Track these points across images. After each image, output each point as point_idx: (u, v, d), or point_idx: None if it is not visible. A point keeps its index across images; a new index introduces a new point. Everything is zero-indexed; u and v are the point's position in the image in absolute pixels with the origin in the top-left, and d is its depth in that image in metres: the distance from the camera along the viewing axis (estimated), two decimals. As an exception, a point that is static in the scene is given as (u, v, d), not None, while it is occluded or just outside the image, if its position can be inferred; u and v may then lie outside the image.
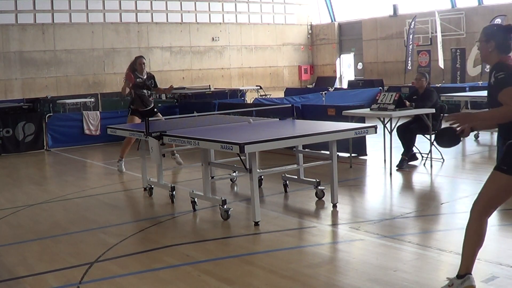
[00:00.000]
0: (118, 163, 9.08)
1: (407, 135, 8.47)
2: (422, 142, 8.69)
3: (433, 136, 8.49)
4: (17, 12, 21.46)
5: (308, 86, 27.93)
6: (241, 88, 22.17)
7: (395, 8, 25.46)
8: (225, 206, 5.93)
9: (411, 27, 22.50)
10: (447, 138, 4.10)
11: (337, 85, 26.49)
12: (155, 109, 9.40)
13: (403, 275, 4.16)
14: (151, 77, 9.34)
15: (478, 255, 4.50)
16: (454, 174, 8.11)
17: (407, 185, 7.66)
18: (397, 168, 8.22)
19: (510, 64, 3.74)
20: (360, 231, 5.34)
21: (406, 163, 8.42)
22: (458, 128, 3.90)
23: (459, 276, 3.77)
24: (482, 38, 3.86)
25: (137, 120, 8.86)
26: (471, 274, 3.75)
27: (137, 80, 9.01)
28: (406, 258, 4.59)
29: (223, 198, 6.00)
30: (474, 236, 3.72)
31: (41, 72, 21.92)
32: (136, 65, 9.12)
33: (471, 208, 3.80)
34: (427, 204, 6.39)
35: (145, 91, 9.13)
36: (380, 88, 18.23)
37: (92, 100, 19.51)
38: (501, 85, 3.67)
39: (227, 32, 26.92)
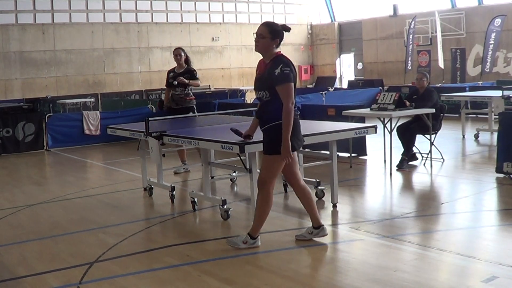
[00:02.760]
0: (179, 167, 8.52)
1: (407, 135, 8.47)
2: (422, 142, 8.69)
3: (433, 136, 8.50)
4: (17, 12, 21.45)
5: (308, 86, 27.92)
6: (241, 88, 22.17)
7: (395, 8, 25.46)
8: (225, 206, 5.93)
9: (411, 27, 22.50)
10: None
11: (337, 85, 26.48)
12: (191, 110, 8.57)
13: (403, 275, 4.16)
14: (187, 71, 8.51)
15: (478, 255, 4.52)
16: (454, 174, 8.11)
17: (407, 185, 7.66)
18: (397, 168, 8.22)
19: (289, 60, 4.66)
20: (360, 231, 5.34)
21: (406, 163, 8.41)
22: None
23: (252, 237, 4.90)
24: (267, 34, 4.61)
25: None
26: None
27: (169, 74, 8.51)
28: (406, 258, 4.59)
29: (223, 198, 6.00)
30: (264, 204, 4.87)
31: (41, 72, 21.91)
32: (173, 57, 8.56)
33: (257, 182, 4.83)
34: (427, 204, 6.39)
35: (177, 89, 8.41)
36: (380, 88, 18.22)
37: (92, 100, 19.51)
38: (284, 79, 4.56)
39: (227, 32, 26.92)
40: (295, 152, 4.84)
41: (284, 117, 4.57)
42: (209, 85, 23.19)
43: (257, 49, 4.75)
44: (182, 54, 8.56)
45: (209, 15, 26.40)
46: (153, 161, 6.57)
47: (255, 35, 4.70)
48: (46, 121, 12.17)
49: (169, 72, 8.66)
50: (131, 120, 10.74)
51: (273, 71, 4.60)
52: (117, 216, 6.44)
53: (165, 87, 8.81)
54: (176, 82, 8.37)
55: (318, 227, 5.08)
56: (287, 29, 4.75)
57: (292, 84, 4.65)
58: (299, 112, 4.88)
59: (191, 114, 8.41)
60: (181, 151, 8.51)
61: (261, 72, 4.79)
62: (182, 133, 6.13)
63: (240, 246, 4.88)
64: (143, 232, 5.71)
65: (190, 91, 8.59)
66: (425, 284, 3.99)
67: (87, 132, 12.49)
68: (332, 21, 29.25)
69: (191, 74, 8.48)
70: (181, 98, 8.53)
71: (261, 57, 4.85)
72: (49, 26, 22.06)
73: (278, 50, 4.74)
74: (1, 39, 21.09)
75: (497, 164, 7.44)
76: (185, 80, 8.37)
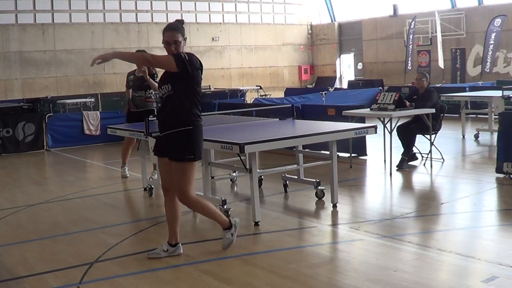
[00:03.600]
0: (122, 168, 8.73)
1: (407, 135, 8.47)
2: (422, 142, 8.69)
3: (433, 136, 8.50)
4: (17, 12, 21.46)
5: (308, 86, 27.93)
6: (241, 88, 22.18)
7: (395, 8, 25.47)
8: (225, 206, 5.93)
9: (411, 27, 22.50)
10: None
11: (337, 85, 26.49)
12: (152, 113, 8.24)
13: (403, 275, 4.16)
14: (148, 74, 8.07)
15: (478, 255, 4.52)
16: (454, 174, 8.11)
17: (407, 185, 7.66)
18: (397, 168, 8.22)
19: (198, 58, 4.56)
20: (360, 231, 5.34)
21: (406, 163, 8.41)
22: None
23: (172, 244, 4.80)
24: (179, 37, 4.51)
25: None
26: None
27: (129, 77, 8.40)
28: (406, 258, 4.59)
29: (223, 198, 6.00)
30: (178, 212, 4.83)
31: (41, 72, 21.92)
32: None
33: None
34: (427, 204, 6.39)
35: (139, 92, 8.33)
36: (380, 88, 18.23)
37: (92, 100, 19.51)
38: (179, 54, 4.46)
39: (227, 32, 26.92)
40: (195, 162, 4.59)
41: (141, 55, 4.68)
42: (209, 85, 23.20)
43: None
44: None
45: (209, 15, 26.41)
46: (153, 161, 6.57)
47: (165, 43, 4.54)
48: (46, 121, 12.17)
49: (129, 74, 8.48)
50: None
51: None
52: (117, 216, 6.44)
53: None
54: (141, 74, 7.88)
55: (174, 245, 4.83)
56: (182, 21, 4.65)
57: (186, 64, 4.42)
58: (201, 120, 4.66)
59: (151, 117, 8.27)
60: (126, 150, 8.56)
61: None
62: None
63: (232, 239, 4.90)
64: (143, 232, 5.71)
65: (151, 94, 8.46)
66: (425, 284, 3.99)
67: (87, 132, 12.49)
68: (332, 21, 29.25)
69: (152, 77, 8.19)
70: (141, 100, 8.38)
71: None
72: (49, 26, 22.07)
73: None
74: (1, 39, 21.09)
75: (497, 164, 7.44)
76: (146, 72, 7.82)
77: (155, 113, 8.42)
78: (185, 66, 4.42)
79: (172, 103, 4.52)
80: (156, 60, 4.53)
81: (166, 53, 4.56)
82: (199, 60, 4.57)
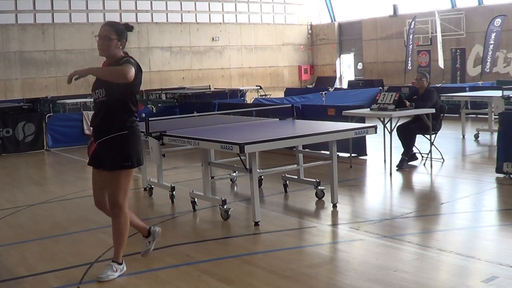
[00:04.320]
0: None
1: (407, 135, 8.47)
2: (422, 142, 8.69)
3: (433, 136, 8.50)
4: (17, 12, 21.46)
5: (308, 86, 27.94)
6: (241, 88, 22.18)
7: (395, 8, 25.47)
8: (225, 206, 5.93)
9: (411, 27, 22.50)
10: None
11: (337, 85, 26.51)
12: None
13: (403, 275, 4.16)
14: None
15: (478, 255, 4.52)
16: (454, 174, 8.11)
17: (407, 185, 7.66)
18: (397, 168, 8.22)
19: (132, 56, 4.26)
20: (360, 231, 5.34)
21: (406, 163, 8.41)
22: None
23: (119, 263, 4.45)
24: (114, 36, 4.18)
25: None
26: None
27: None
28: (406, 258, 4.59)
29: (223, 198, 6.00)
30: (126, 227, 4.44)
31: (41, 72, 21.93)
32: None
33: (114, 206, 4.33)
34: (427, 204, 6.39)
35: None
36: (380, 88, 18.23)
37: (92, 100, 19.46)
38: (128, 61, 4.11)
39: (227, 32, 26.92)
40: (132, 170, 4.29)
41: (114, 70, 4.09)
42: (209, 85, 23.20)
43: (102, 52, 4.24)
44: None
45: (209, 15, 26.42)
46: (153, 161, 6.57)
47: (97, 37, 4.22)
48: (46, 121, 12.18)
49: None
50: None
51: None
52: (117, 216, 6.43)
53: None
54: None
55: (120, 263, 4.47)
56: (130, 28, 4.35)
57: (136, 70, 4.12)
58: (138, 125, 4.36)
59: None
60: None
61: None
62: (182, 133, 6.13)
63: (114, 275, 4.37)
64: (143, 232, 5.70)
65: None
66: (425, 284, 3.99)
67: (87, 132, 12.48)
68: (332, 21, 29.26)
69: None
70: None
71: None
72: (49, 26, 22.07)
73: (124, 51, 4.32)
74: (1, 39, 21.10)
75: (497, 164, 7.44)
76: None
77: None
78: (136, 73, 4.14)
79: (106, 109, 4.20)
80: (130, 76, 4.05)
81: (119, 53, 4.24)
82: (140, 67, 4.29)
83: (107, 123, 4.22)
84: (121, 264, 4.45)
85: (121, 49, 4.26)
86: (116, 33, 4.22)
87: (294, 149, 6.89)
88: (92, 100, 4.24)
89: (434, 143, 8.47)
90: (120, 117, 4.21)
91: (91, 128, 4.44)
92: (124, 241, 4.43)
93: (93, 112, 4.39)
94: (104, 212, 4.53)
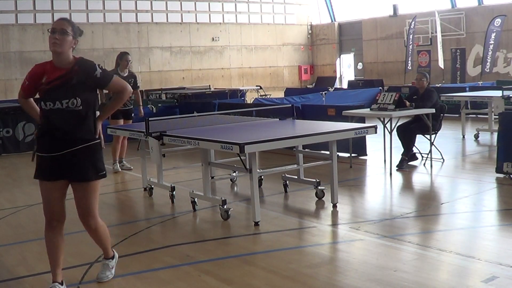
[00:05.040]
0: (113, 165, 8.96)
1: (407, 135, 8.47)
2: (422, 142, 8.69)
3: (433, 136, 8.50)
4: (17, 12, 21.47)
5: (308, 86, 27.94)
6: (241, 88, 22.17)
7: (395, 8, 25.48)
8: (225, 206, 5.93)
9: (411, 27, 22.51)
10: None
11: (337, 85, 26.51)
12: (132, 113, 9.07)
13: (403, 275, 4.16)
14: (132, 76, 8.88)
15: (478, 255, 4.51)
16: (454, 174, 8.11)
17: (407, 185, 7.66)
18: (397, 168, 8.22)
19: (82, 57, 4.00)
20: (360, 231, 5.34)
21: (406, 163, 8.41)
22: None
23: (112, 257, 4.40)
24: (71, 31, 3.91)
25: (120, 121, 8.71)
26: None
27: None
28: (406, 258, 4.59)
29: (223, 198, 6.00)
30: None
31: (41, 72, 21.90)
32: (122, 61, 8.80)
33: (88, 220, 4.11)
34: (427, 204, 6.39)
35: None
36: (380, 88, 18.23)
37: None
38: (109, 75, 3.99)
39: (227, 32, 26.93)
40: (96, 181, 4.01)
41: (123, 95, 4.04)
42: (209, 85, 23.20)
43: (57, 48, 3.82)
44: (130, 59, 8.94)
45: (209, 15, 26.42)
46: (153, 161, 6.57)
47: (50, 31, 3.88)
48: (46, 121, 12.15)
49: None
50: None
51: (91, 75, 3.87)
52: (117, 216, 6.44)
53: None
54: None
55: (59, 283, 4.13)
56: (80, 32, 4.10)
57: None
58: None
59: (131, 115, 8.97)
60: (121, 146, 8.95)
61: (54, 79, 3.82)
62: (182, 133, 6.13)
63: (113, 273, 4.37)
64: (143, 232, 5.71)
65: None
66: (425, 284, 3.99)
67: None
68: (332, 21, 29.26)
69: (135, 79, 8.93)
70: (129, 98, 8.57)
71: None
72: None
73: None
74: (1, 39, 21.10)
75: (497, 164, 7.44)
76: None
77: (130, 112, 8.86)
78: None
79: (79, 117, 3.86)
80: (128, 87, 4.09)
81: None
82: None
83: (79, 132, 3.88)
84: (113, 257, 4.45)
85: (73, 49, 3.95)
86: (72, 29, 3.93)
87: (294, 149, 6.89)
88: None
89: (434, 143, 8.47)
90: (92, 126, 3.95)
91: (43, 136, 3.93)
92: (109, 240, 4.38)
93: (48, 119, 3.87)
94: (54, 230, 4.06)
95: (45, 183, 4.01)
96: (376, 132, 6.21)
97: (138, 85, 9.07)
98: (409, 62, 22.70)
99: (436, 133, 8.63)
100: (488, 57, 19.87)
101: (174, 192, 6.83)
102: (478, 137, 10.95)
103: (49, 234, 4.07)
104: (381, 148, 8.78)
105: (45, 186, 4.02)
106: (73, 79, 3.82)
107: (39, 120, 3.99)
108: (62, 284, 4.08)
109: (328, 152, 6.39)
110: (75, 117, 3.85)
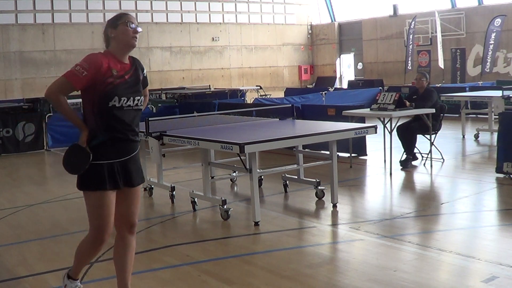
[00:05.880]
0: None
1: (407, 135, 8.48)
2: (422, 142, 8.69)
3: (433, 136, 8.50)
4: (17, 12, 21.47)
5: (308, 86, 27.94)
6: (241, 88, 22.17)
7: (395, 8, 25.48)
8: (225, 206, 5.93)
9: (411, 27, 22.50)
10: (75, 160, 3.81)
11: (337, 85, 26.51)
12: None
13: (403, 275, 4.16)
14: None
15: (478, 255, 4.51)
16: (454, 174, 8.11)
17: (407, 185, 7.66)
18: (401, 167, 8.23)
19: None
20: (360, 231, 5.34)
21: (410, 162, 8.42)
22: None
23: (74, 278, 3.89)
24: None
25: None
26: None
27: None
28: (406, 258, 4.59)
29: (223, 198, 6.00)
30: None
31: (41, 72, 21.92)
32: None
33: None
34: (427, 204, 6.39)
35: None
36: (380, 88, 18.23)
37: (120, 106, 19.44)
38: (147, 80, 3.81)
39: (227, 32, 26.93)
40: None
41: (147, 98, 3.88)
42: (209, 85, 23.19)
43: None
44: None
45: (209, 15, 26.42)
46: (153, 161, 6.57)
47: (128, 24, 3.84)
48: (46, 121, 12.17)
49: None
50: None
51: (144, 73, 3.75)
52: (117, 216, 6.43)
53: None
54: None
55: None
56: None
57: None
58: None
59: None
60: None
61: (125, 73, 3.58)
62: (182, 133, 6.13)
63: None
64: (143, 232, 5.71)
65: None
66: (425, 284, 3.99)
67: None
68: (332, 21, 29.26)
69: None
70: None
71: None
72: (49, 26, 22.07)
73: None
74: (1, 39, 21.10)
75: (497, 164, 7.44)
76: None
77: None
78: None
79: (139, 116, 3.70)
80: None
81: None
82: None
83: (138, 133, 3.71)
84: (76, 279, 3.93)
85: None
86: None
87: (294, 149, 6.90)
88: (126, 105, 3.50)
89: (434, 143, 8.47)
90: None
91: (120, 138, 3.59)
92: (95, 254, 3.95)
93: (120, 119, 3.55)
94: (124, 240, 3.77)
95: (109, 193, 3.54)
96: (376, 132, 6.21)
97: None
98: (409, 62, 22.70)
99: (436, 133, 8.63)
100: (488, 57, 19.87)
101: (174, 192, 6.83)
102: (478, 137, 10.95)
103: (119, 247, 3.78)
104: (381, 148, 8.78)
105: (108, 196, 3.56)
106: (139, 76, 3.65)
107: (92, 122, 3.57)
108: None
109: (328, 152, 6.39)
110: (139, 116, 3.65)
